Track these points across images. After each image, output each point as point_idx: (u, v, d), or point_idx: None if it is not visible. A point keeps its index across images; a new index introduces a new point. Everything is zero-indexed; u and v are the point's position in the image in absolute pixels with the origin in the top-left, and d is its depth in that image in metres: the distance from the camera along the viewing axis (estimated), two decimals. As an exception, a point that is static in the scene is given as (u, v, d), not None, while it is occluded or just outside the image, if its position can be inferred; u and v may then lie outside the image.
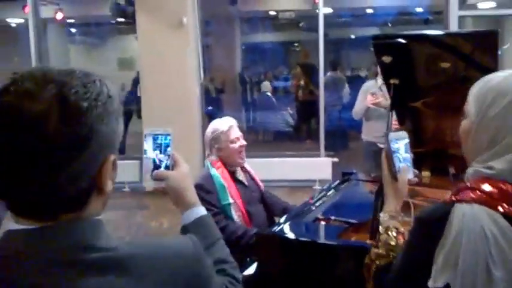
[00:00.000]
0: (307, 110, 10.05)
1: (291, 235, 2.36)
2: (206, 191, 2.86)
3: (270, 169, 6.97)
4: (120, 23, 9.41)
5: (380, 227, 1.52)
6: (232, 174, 3.09)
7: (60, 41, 10.95)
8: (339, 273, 2.17)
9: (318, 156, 7.47)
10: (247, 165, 3.27)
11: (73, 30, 12.49)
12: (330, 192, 3.12)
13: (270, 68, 13.25)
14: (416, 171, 1.60)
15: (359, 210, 2.70)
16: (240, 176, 3.17)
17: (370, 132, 5.28)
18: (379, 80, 5.12)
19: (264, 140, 10.78)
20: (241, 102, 11.94)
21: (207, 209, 2.75)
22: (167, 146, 1.33)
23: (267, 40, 14.94)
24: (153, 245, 1.01)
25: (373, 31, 11.87)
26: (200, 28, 7.30)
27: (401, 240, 1.46)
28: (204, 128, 3.18)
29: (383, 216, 1.54)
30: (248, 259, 2.52)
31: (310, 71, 9.61)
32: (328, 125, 7.66)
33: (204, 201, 2.80)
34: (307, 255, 2.24)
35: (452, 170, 2.41)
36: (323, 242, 2.23)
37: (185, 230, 1.29)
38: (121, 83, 10.10)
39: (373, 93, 5.04)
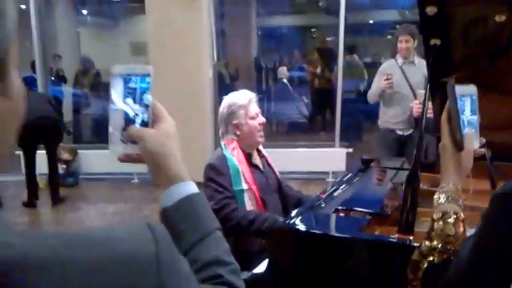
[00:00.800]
0: (323, 99, 9.89)
1: (305, 228, 2.17)
2: (218, 172, 2.73)
3: (282, 160, 6.81)
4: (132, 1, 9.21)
5: (435, 213, 1.25)
6: (248, 158, 2.90)
7: (69, 23, 10.79)
8: (361, 272, 1.99)
9: (332, 146, 7.33)
10: (263, 150, 3.10)
11: (84, 11, 12.35)
12: (349, 181, 2.94)
13: (286, 54, 13.01)
14: (483, 139, 1.31)
15: (382, 200, 2.55)
16: (256, 160, 3.00)
17: (388, 119, 4.99)
18: (400, 60, 4.87)
19: (277, 131, 10.59)
20: (255, 89, 11.68)
21: (218, 192, 2.72)
22: (144, 91, 0.96)
23: (284, 24, 14.66)
24: (84, 240, 0.62)
25: (392, 16, 11.61)
26: (214, 8, 7.14)
27: (461, 229, 1.20)
28: (217, 112, 2.99)
29: (439, 197, 1.26)
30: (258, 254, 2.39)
31: (328, 56, 9.39)
32: (344, 114, 7.46)
33: (214, 183, 2.77)
34: (324, 251, 2.06)
35: (489, 153, 2.19)
36: (343, 236, 2.03)
37: (164, 216, 0.94)
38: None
39: (388, 74, 4.75)
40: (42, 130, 5.96)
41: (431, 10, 2.25)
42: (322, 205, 2.47)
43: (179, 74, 6.65)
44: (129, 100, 0.95)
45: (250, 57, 11.98)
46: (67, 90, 9.45)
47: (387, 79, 4.69)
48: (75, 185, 7.08)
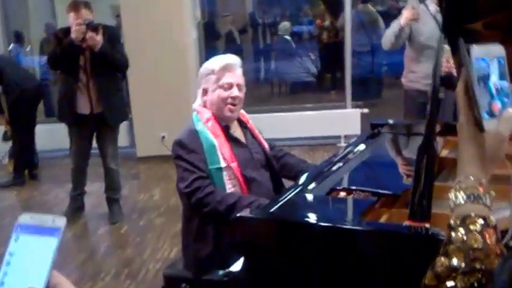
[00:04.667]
0: (332, 54, 9.62)
1: (293, 217, 1.93)
2: (188, 149, 2.58)
3: (287, 125, 6.77)
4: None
5: (452, 218, 0.95)
6: (225, 130, 2.68)
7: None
8: (362, 270, 1.70)
9: (344, 107, 7.06)
10: (250, 120, 2.89)
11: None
12: (356, 149, 2.65)
13: (290, 8, 12.61)
14: None
15: (393, 176, 2.30)
16: (236, 132, 2.78)
17: (414, 78, 4.43)
18: (432, 6, 4.17)
19: (280, 92, 10.32)
20: (252, 48, 11.39)
21: (189, 171, 2.46)
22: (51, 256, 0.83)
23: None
24: None
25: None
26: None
27: (493, 239, 0.90)
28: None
29: (456, 196, 0.96)
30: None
31: (336, 7, 9.07)
32: (358, 71, 7.12)
33: (184, 161, 2.45)
34: (315, 244, 1.79)
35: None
36: (339, 226, 1.73)
37: None
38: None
39: (413, 7, 4.19)
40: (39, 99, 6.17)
41: None
42: (321, 182, 2.23)
43: (156, 36, 6.41)
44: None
45: (245, 12, 11.65)
46: (30, 59, 9.17)
47: (413, 10, 4.17)
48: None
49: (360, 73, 8.61)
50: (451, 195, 0.96)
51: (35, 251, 0.82)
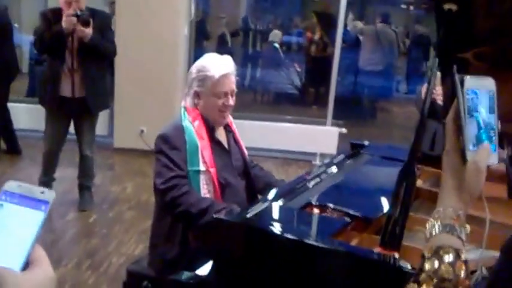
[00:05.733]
0: (319, 69, 9.58)
1: (267, 226, 1.91)
2: (171, 145, 2.54)
3: (263, 135, 6.66)
4: None
5: (426, 247, 0.96)
6: (210, 132, 2.65)
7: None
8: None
9: (324, 124, 7.00)
10: (233, 124, 2.86)
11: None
12: (333, 168, 2.63)
13: (281, 16, 12.62)
14: (504, 152, 1.07)
15: (368, 199, 2.29)
16: (221, 136, 2.75)
17: None
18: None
19: (262, 101, 10.27)
20: (241, 53, 11.37)
21: (168, 168, 2.43)
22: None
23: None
24: None
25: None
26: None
27: (462, 272, 0.90)
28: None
29: (433, 226, 0.97)
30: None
31: (328, 22, 9.10)
32: (342, 90, 7.13)
33: (165, 156, 2.43)
34: (286, 257, 1.80)
35: (510, 151, 1.92)
36: (310, 243, 1.72)
37: None
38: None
39: None
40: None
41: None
42: (296, 196, 2.23)
43: (148, 29, 6.34)
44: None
45: (238, 17, 11.61)
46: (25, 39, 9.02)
47: None
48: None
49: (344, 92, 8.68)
50: (428, 224, 0.97)
51: (19, 223, 0.77)
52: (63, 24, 4.24)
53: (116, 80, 6.57)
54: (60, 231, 4.36)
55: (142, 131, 6.24)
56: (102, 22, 4.59)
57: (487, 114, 0.98)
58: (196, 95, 2.63)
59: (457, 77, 1.01)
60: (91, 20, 4.31)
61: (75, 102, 4.52)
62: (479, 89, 1.00)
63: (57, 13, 4.38)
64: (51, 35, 4.34)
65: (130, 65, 6.36)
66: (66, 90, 4.50)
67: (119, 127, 6.65)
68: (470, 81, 0.99)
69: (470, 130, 0.97)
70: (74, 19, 4.24)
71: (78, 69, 4.48)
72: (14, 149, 6.32)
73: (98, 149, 6.60)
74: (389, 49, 9.31)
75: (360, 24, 10.26)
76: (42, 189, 0.80)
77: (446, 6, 2.07)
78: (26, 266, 0.77)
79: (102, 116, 6.82)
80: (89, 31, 4.29)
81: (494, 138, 0.98)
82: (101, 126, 6.82)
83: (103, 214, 4.75)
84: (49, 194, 0.79)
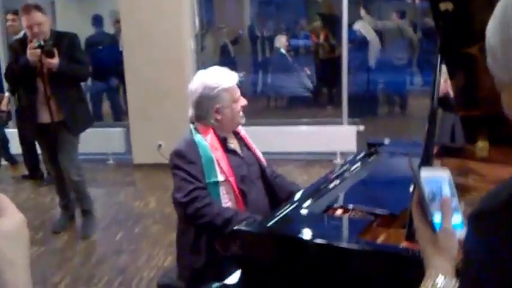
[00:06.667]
0: (329, 70, 9.57)
1: (289, 233, 1.91)
2: (186, 159, 2.54)
3: (282, 140, 6.70)
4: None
5: None
6: (223, 142, 2.66)
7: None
8: None
9: (340, 124, 7.00)
10: (242, 130, 2.86)
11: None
12: (351, 168, 2.61)
13: (287, 22, 12.62)
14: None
15: (390, 196, 2.26)
16: (233, 144, 2.75)
17: None
18: None
19: (276, 106, 10.30)
20: (250, 61, 11.39)
21: (187, 181, 2.43)
22: None
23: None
24: None
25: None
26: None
27: None
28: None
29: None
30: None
31: (333, 24, 9.08)
32: (355, 88, 7.12)
33: (182, 171, 2.43)
34: (312, 261, 1.78)
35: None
36: (336, 245, 1.71)
37: None
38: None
39: None
40: None
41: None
42: (319, 199, 2.23)
43: (155, 45, 6.39)
44: None
45: (244, 25, 11.63)
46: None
47: None
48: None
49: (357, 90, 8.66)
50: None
51: None
52: (28, 57, 4.18)
53: (128, 97, 6.66)
54: (89, 251, 4.38)
55: (160, 146, 6.27)
56: (70, 44, 4.47)
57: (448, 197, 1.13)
58: (216, 111, 2.63)
59: (415, 168, 1.18)
60: (55, 50, 4.22)
61: (56, 125, 4.43)
62: (436, 177, 1.17)
63: (24, 43, 4.31)
64: (19, 67, 4.29)
65: (140, 82, 6.44)
66: (44, 117, 4.41)
67: (136, 144, 6.71)
68: (426, 172, 1.16)
69: (436, 210, 1.13)
70: (38, 51, 4.17)
71: (52, 96, 4.36)
72: (35, 174, 6.40)
73: (118, 167, 6.70)
74: (408, 44, 9.36)
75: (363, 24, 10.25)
76: None
77: (443, 7, 2.08)
78: None
79: (118, 134, 6.94)
80: (55, 61, 4.22)
81: (459, 215, 1.12)
82: (118, 144, 6.94)
83: (129, 230, 4.76)
84: None
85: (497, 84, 0.91)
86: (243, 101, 2.72)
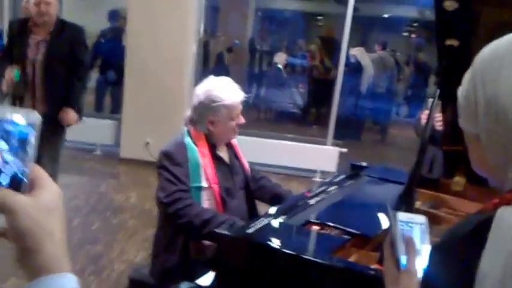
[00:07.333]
0: (321, 91, 9.72)
1: (267, 242, 1.91)
2: (174, 161, 2.53)
3: (266, 151, 6.69)
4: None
5: None
6: (212, 149, 2.65)
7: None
8: None
9: (324, 144, 7.04)
10: (234, 139, 2.85)
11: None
12: (333, 187, 2.64)
13: (287, 39, 12.74)
14: None
15: (367, 218, 2.30)
16: (222, 151, 2.74)
17: None
18: None
19: (265, 118, 10.36)
20: (247, 72, 11.47)
21: (171, 182, 2.46)
22: (24, 140, 0.73)
23: (289, 8, 14.36)
24: None
25: (410, 12, 11.35)
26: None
27: None
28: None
29: None
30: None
31: (331, 47, 9.21)
32: (343, 111, 7.18)
33: (168, 172, 2.42)
34: (285, 272, 1.81)
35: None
36: (310, 258, 1.73)
37: None
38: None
39: None
40: None
41: (450, 5, 2.07)
42: (298, 213, 2.24)
43: (158, 46, 6.39)
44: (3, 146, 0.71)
45: (245, 38, 11.73)
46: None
47: None
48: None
49: (345, 114, 8.75)
50: None
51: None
52: (3, 88, 3.94)
53: (125, 91, 6.64)
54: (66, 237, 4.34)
55: (147, 143, 6.27)
56: (74, 38, 4.13)
57: (420, 243, 1.15)
58: (210, 122, 2.62)
59: (391, 212, 1.19)
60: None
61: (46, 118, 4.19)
62: (411, 222, 1.18)
63: (23, 25, 4.05)
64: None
65: (140, 78, 6.43)
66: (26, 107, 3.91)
67: (125, 138, 6.69)
68: (402, 215, 1.18)
69: (401, 249, 1.14)
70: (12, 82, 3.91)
71: (40, 85, 4.04)
72: None
73: (104, 158, 6.67)
74: (390, 74, 9.59)
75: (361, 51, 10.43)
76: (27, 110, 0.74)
77: (448, 42, 2.14)
78: (30, 188, 0.74)
79: (109, 126, 6.92)
80: (74, 117, 4.05)
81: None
82: (107, 136, 6.92)
83: (106, 221, 4.74)
84: (33, 115, 0.74)
85: (466, 138, 0.97)
86: (241, 120, 2.68)
